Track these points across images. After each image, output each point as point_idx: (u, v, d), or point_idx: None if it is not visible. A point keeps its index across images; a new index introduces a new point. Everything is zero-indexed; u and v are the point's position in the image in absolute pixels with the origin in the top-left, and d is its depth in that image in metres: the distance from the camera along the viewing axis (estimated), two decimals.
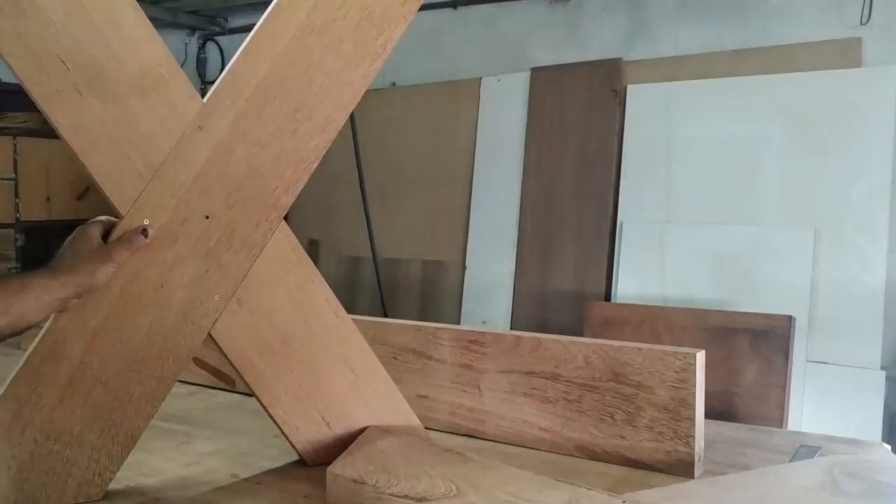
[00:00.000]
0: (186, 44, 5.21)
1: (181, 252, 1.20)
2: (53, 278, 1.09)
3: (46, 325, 1.15)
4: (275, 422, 1.34)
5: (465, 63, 4.19)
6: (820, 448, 1.43)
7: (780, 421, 2.20)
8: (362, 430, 1.36)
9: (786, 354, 2.23)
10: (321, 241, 4.30)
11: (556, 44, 3.97)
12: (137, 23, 1.15)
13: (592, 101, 3.71)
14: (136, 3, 1.15)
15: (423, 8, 1.31)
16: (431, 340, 1.58)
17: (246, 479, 1.32)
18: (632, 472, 1.34)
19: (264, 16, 1.23)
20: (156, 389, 1.22)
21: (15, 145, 4.36)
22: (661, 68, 3.60)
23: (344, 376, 1.37)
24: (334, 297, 1.36)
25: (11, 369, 1.19)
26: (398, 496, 1.08)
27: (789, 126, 3.28)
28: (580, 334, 2.11)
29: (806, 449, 1.43)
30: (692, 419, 1.31)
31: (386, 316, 3.47)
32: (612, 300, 3.51)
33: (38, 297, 1.07)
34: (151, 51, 1.16)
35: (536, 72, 3.91)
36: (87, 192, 4.61)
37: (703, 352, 1.33)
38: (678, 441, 1.32)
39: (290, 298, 1.31)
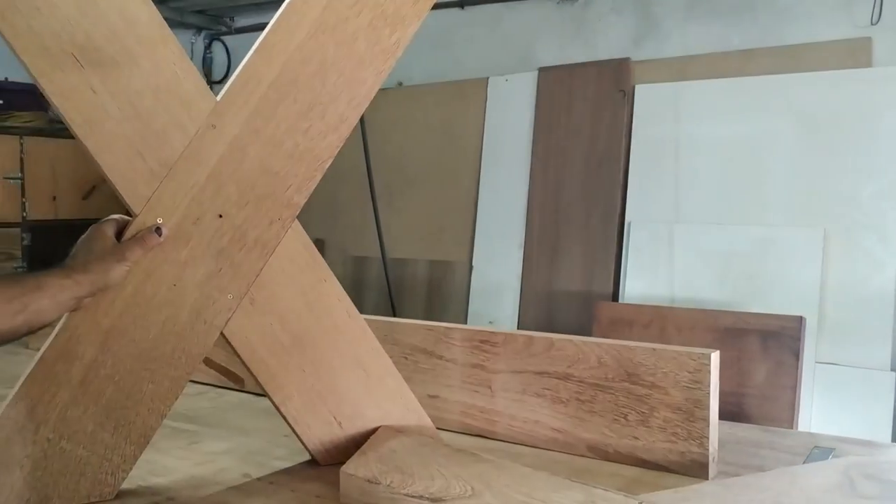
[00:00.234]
0: (193, 43, 5.22)
1: (194, 251, 1.20)
2: (68, 277, 1.09)
3: (60, 324, 1.15)
4: (286, 421, 1.33)
5: (472, 63, 4.18)
6: (834, 449, 1.43)
7: (791, 422, 2.19)
8: (374, 430, 1.36)
9: (796, 355, 2.22)
10: (327, 240, 4.29)
11: (564, 43, 3.96)
12: (152, 21, 1.15)
13: (600, 100, 3.70)
14: (150, 2, 1.15)
15: (430, 7, 1.31)
16: (442, 340, 1.57)
17: (258, 479, 1.31)
18: (645, 473, 1.34)
19: (277, 14, 1.23)
20: (169, 388, 1.22)
21: (21, 145, 4.36)
22: (670, 68, 3.59)
23: (356, 376, 1.36)
24: (346, 296, 1.35)
25: (18, 367, 1.19)
26: (413, 496, 1.08)
27: (799, 126, 3.26)
28: (588, 334, 2.09)
29: (820, 450, 1.43)
30: (706, 420, 1.30)
31: (395, 316, 3.47)
32: (620, 300, 3.49)
33: (53, 295, 1.07)
34: (166, 49, 1.16)
35: (544, 71, 3.90)
36: (93, 191, 4.61)
37: (718, 352, 1.32)
38: (692, 442, 1.31)
39: (303, 298, 1.31)
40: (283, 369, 1.31)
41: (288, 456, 1.41)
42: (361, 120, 1.33)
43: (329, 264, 1.35)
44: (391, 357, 1.40)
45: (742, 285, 3.25)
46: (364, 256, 4.36)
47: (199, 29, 5.22)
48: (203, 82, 1.20)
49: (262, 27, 1.24)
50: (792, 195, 3.26)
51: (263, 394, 1.34)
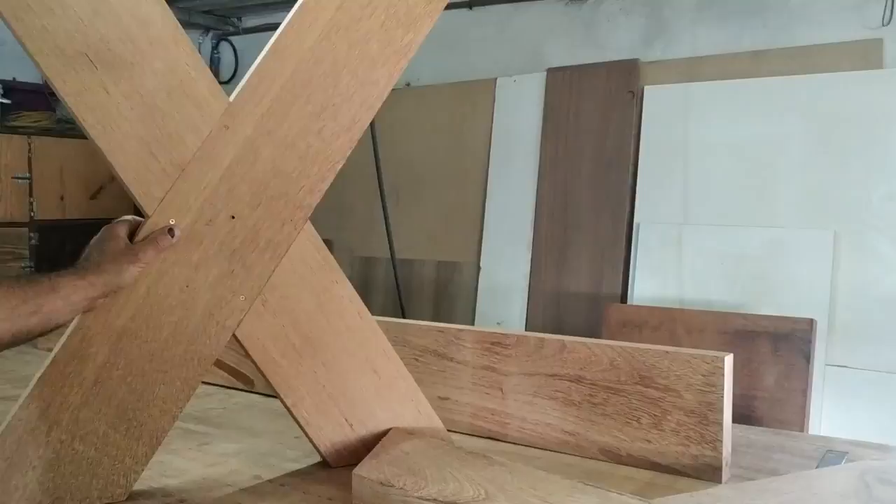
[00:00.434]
0: (200, 43, 5.22)
1: (207, 252, 1.20)
2: (82, 278, 1.09)
3: (72, 325, 1.15)
4: (298, 423, 1.33)
5: (480, 63, 4.18)
6: (847, 453, 1.42)
7: (802, 425, 2.18)
8: (385, 432, 1.36)
9: (807, 358, 2.21)
10: (334, 240, 4.29)
11: (573, 44, 3.95)
12: (165, 21, 1.14)
13: (609, 101, 3.69)
14: (164, 2, 1.15)
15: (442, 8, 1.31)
16: (453, 342, 1.57)
17: (270, 481, 1.31)
18: (658, 476, 1.33)
19: (290, 15, 1.23)
20: (180, 390, 1.22)
21: (29, 144, 4.37)
22: (679, 69, 3.58)
23: (367, 378, 1.36)
24: (358, 298, 1.35)
25: (28, 368, 1.19)
26: (426, 499, 1.07)
27: (809, 128, 3.25)
28: (596, 336, 2.09)
29: (833, 454, 1.42)
30: (720, 423, 1.29)
31: (404, 317, 3.46)
32: (629, 302, 3.48)
33: (67, 296, 1.07)
34: (179, 50, 1.15)
35: (552, 72, 3.90)
36: (101, 191, 4.63)
37: (731, 355, 1.31)
38: (705, 445, 1.30)
39: (315, 299, 1.30)
40: (294, 371, 1.30)
41: (299, 458, 1.41)
42: (371, 121, 1.33)
43: None
44: (402, 359, 1.40)
45: (752, 287, 3.24)
46: (371, 257, 4.36)
47: (206, 29, 5.23)
48: (216, 83, 1.20)
49: (269, 27, 1.25)
50: (802, 197, 3.24)
51: (274, 395, 1.34)
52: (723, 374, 1.29)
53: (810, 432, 2.37)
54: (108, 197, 4.62)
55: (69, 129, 4.50)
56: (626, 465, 1.37)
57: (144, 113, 1.14)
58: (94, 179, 4.57)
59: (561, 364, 1.44)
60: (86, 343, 1.15)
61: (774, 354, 2.25)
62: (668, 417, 1.33)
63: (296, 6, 1.23)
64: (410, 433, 1.34)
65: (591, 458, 1.41)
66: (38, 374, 1.15)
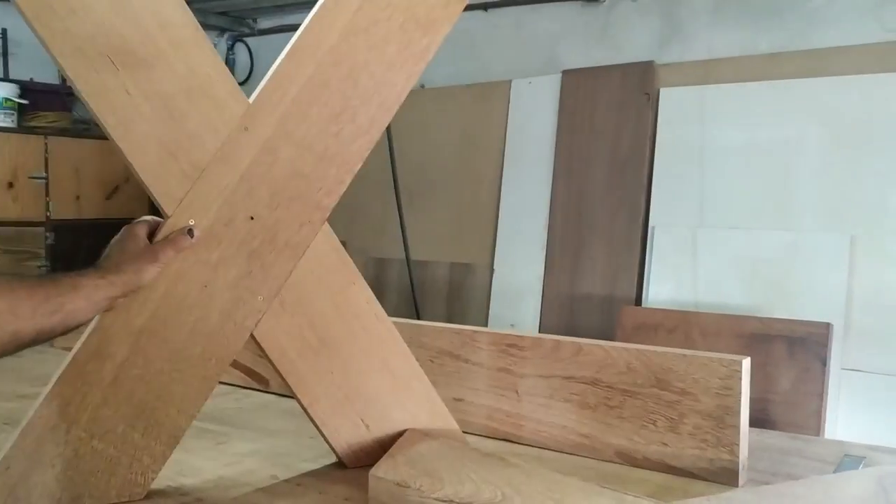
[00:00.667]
0: (216, 45, 5.24)
1: (225, 253, 1.21)
2: (102, 277, 1.10)
3: (92, 324, 1.16)
4: (314, 423, 1.33)
5: (495, 65, 4.18)
6: (864, 458, 1.41)
7: (817, 429, 2.17)
8: (401, 433, 1.36)
9: (823, 362, 2.20)
10: (348, 241, 4.30)
11: (588, 46, 3.94)
12: (185, 23, 1.15)
13: (624, 104, 3.68)
14: (184, 3, 1.16)
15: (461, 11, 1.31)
16: (469, 343, 1.57)
17: (286, 481, 1.31)
18: (674, 480, 1.33)
19: (309, 17, 1.23)
20: (198, 389, 1.22)
21: (46, 144, 4.40)
22: (695, 71, 3.57)
23: (383, 379, 1.36)
24: (375, 299, 1.35)
25: (45, 366, 1.20)
26: (443, 501, 1.07)
27: (826, 131, 3.23)
28: (610, 339, 2.08)
29: (850, 459, 1.41)
30: (737, 427, 1.29)
31: (418, 318, 3.47)
32: (643, 305, 3.47)
33: (88, 295, 1.07)
34: (199, 51, 1.16)
35: (567, 74, 3.89)
36: (116, 191, 4.65)
37: (749, 359, 1.31)
38: (722, 449, 1.30)
39: (332, 300, 1.31)
40: (311, 371, 1.31)
41: (315, 458, 1.41)
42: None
43: None
44: (417, 360, 1.40)
45: (768, 291, 3.22)
46: (385, 258, 4.36)
47: (222, 30, 5.25)
48: (235, 84, 1.21)
49: (284, 29, 1.25)
50: (819, 200, 3.22)
51: (290, 395, 1.34)
52: (740, 378, 1.28)
53: (826, 437, 2.36)
54: (124, 197, 4.65)
55: (85, 129, 4.53)
56: (642, 468, 1.37)
57: (165, 114, 1.15)
58: (109, 179, 4.60)
59: (577, 366, 1.44)
60: (105, 342, 1.16)
61: (790, 358, 2.24)
62: (685, 421, 1.33)
63: (315, 8, 1.23)
64: (426, 434, 1.34)
65: (606, 461, 1.41)
66: (57, 373, 1.16)
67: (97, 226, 4.36)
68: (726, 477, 1.29)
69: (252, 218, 1.21)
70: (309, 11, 1.24)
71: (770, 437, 1.58)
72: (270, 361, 1.29)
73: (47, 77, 4.55)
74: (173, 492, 1.25)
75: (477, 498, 1.07)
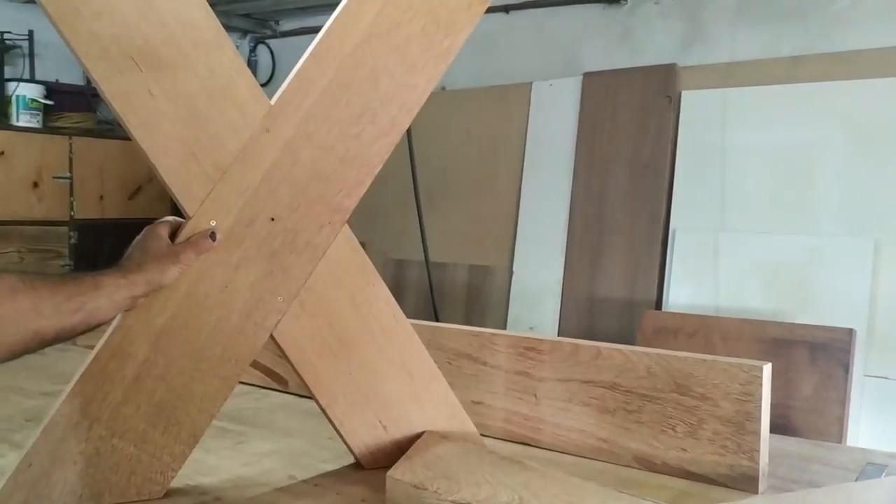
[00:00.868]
0: (238, 46, 5.27)
1: (246, 253, 1.21)
2: (124, 277, 1.11)
3: (114, 323, 1.17)
4: (332, 424, 1.34)
5: (516, 67, 4.17)
6: (887, 466, 1.39)
7: (839, 436, 2.15)
8: (419, 435, 1.36)
9: (846, 368, 2.17)
10: (368, 242, 4.31)
11: (609, 48, 3.93)
12: (208, 25, 1.16)
13: (645, 106, 3.66)
14: (207, 5, 1.16)
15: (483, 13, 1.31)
16: (487, 346, 1.57)
17: (304, 481, 1.32)
18: (692, 486, 1.32)
19: (331, 19, 1.24)
20: (218, 389, 1.23)
21: (70, 145, 4.45)
22: (717, 74, 3.54)
23: (402, 380, 1.36)
24: (394, 300, 1.36)
25: (68, 364, 1.21)
26: (460, 503, 1.07)
27: (849, 134, 3.20)
28: (630, 342, 2.07)
29: (873, 467, 1.39)
30: (757, 433, 1.28)
31: (437, 320, 3.46)
32: (663, 309, 3.45)
33: (109, 294, 1.08)
34: (221, 52, 1.17)
35: (588, 77, 3.88)
36: (139, 191, 4.70)
37: (770, 364, 1.30)
38: (742, 455, 1.29)
39: (351, 301, 1.31)
40: (330, 372, 1.31)
41: (332, 458, 1.42)
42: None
43: None
44: (435, 362, 1.40)
45: (790, 296, 3.19)
46: (404, 259, 4.37)
47: (244, 32, 5.29)
48: (257, 86, 1.21)
49: (307, 31, 1.26)
50: (842, 205, 3.19)
51: (308, 395, 1.35)
52: (761, 384, 1.27)
53: (848, 444, 2.33)
54: (146, 197, 4.69)
55: (109, 130, 4.58)
56: (661, 473, 1.36)
57: (187, 115, 1.16)
58: (132, 180, 4.65)
59: (596, 370, 1.43)
60: (127, 341, 1.17)
61: (812, 364, 2.21)
62: (705, 426, 1.32)
63: (336, 10, 1.24)
64: (444, 437, 1.34)
65: (625, 466, 1.40)
66: (80, 371, 1.17)
67: (120, 225, 4.40)
68: (746, 483, 1.28)
69: (273, 219, 1.22)
70: (331, 14, 1.24)
71: (791, 443, 1.57)
72: (289, 362, 1.29)
73: (73, 78, 4.61)
74: (192, 490, 1.26)
75: (493, 501, 1.07)
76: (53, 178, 4.37)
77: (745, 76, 3.46)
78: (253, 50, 5.31)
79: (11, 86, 4.33)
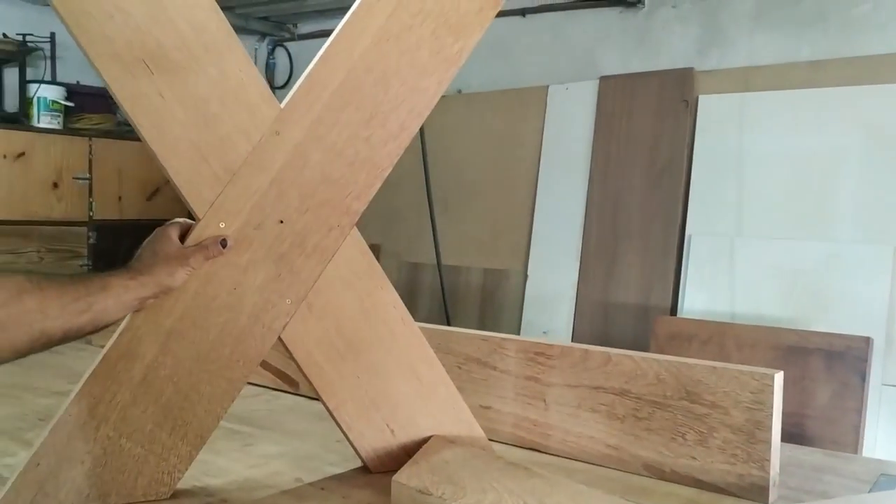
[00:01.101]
0: (256, 49, 5.31)
1: (255, 256, 1.22)
2: (133, 278, 1.11)
3: (123, 324, 1.17)
4: (340, 427, 1.34)
5: (532, 71, 4.16)
6: None
7: (855, 446, 2.12)
8: (426, 439, 1.35)
9: (862, 377, 2.14)
10: (382, 246, 4.32)
11: (626, 52, 3.91)
12: (219, 28, 1.16)
13: (662, 110, 3.64)
14: (218, 8, 1.17)
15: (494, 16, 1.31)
16: (497, 351, 1.56)
17: (310, 484, 1.32)
18: (701, 494, 1.30)
19: (342, 22, 1.24)
20: (226, 391, 1.23)
21: (90, 146, 4.50)
22: (735, 78, 3.52)
23: (409, 384, 1.36)
24: (402, 304, 1.35)
25: (82, 363, 1.22)
26: None
27: (868, 140, 3.16)
28: (644, 348, 2.05)
29: (887, 478, 1.37)
30: (768, 442, 1.26)
31: (449, 324, 3.46)
32: (678, 314, 3.43)
33: (118, 295, 1.09)
34: (232, 56, 1.17)
35: (605, 80, 3.86)
36: (157, 193, 4.73)
37: (781, 373, 1.28)
38: (752, 464, 1.27)
39: (359, 304, 1.31)
40: (337, 375, 1.31)
41: (340, 462, 1.42)
42: (421, 127, 1.33)
43: (384, 270, 1.35)
44: (445, 366, 1.40)
45: (806, 302, 3.16)
46: (418, 263, 4.37)
47: (262, 35, 5.32)
48: (267, 89, 1.22)
49: (324, 34, 1.26)
50: (861, 211, 3.15)
51: (317, 398, 1.35)
52: (772, 393, 1.26)
53: (864, 454, 2.30)
54: (164, 199, 4.72)
55: (128, 131, 4.61)
56: (670, 481, 1.35)
57: (198, 118, 1.16)
58: (150, 181, 4.68)
59: (605, 377, 1.42)
60: (135, 342, 1.17)
61: (828, 372, 2.19)
62: (715, 434, 1.31)
63: (348, 14, 1.24)
64: (451, 441, 1.34)
65: (633, 473, 1.39)
66: (88, 371, 1.17)
67: (138, 226, 4.43)
68: (756, 493, 1.27)
69: (282, 221, 1.22)
70: None
71: (804, 453, 1.55)
72: (297, 364, 1.29)
73: (93, 80, 4.63)
74: (199, 492, 1.26)
75: None
76: (73, 178, 4.42)
77: (763, 81, 3.43)
78: (271, 53, 5.34)
79: (33, 87, 4.38)
